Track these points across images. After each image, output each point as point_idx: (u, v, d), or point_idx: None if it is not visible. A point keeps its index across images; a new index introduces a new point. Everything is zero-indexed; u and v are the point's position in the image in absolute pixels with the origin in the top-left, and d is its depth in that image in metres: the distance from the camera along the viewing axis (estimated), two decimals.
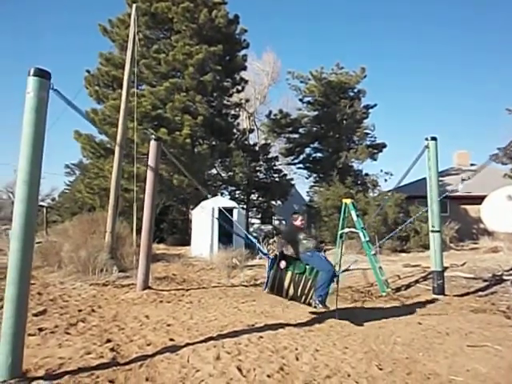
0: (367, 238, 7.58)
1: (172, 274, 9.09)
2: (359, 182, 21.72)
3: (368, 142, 23.51)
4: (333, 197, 17.73)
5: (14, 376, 2.88)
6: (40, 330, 4.22)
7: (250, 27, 19.64)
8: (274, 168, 22.03)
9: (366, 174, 22.84)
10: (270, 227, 21.35)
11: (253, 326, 4.60)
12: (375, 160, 23.43)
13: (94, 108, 16.92)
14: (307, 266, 4.89)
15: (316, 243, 5.24)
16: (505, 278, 8.03)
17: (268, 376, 3.10)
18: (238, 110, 22.18)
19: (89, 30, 61.61)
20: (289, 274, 4.84)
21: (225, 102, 20.01)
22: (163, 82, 17.00)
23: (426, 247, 12.95)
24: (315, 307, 4.85)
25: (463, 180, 6.74)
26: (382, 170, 22.63)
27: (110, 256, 8.58)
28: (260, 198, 21.87)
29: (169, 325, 4.62)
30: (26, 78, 3.08)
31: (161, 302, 6.07)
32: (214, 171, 20.82)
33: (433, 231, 7.00)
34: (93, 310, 5.31)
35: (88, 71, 17.93)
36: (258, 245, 5.65)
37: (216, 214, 12.90)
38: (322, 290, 4.80)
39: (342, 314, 5.18)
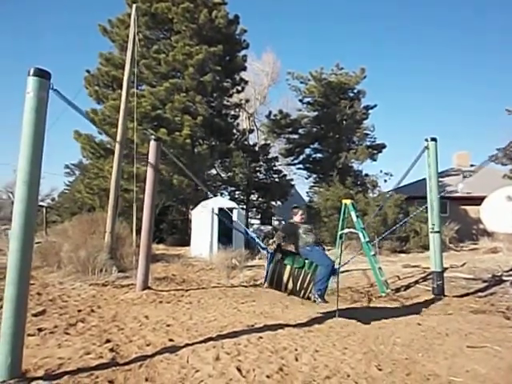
0: (367, 239, 7.58)
1: (171, 274, 9.08)
2: (359, 183, 21.74)
3: (368, 143, 23.56)
4: (332, 197, 17.74)
5: (14, 376, 2.87)
6: (39, 330, 4.21)
7: (249, 28, 19.71)
8: (274, 168, 22.04)
9: (366, 175, 22.87)
10: (269, 227, 21.33)
11: (252, 326, 4.60)
12: (375, 160, 23.49)
13: (94, 108, 16.94)
14: (306, 261, 4.90)
15: (315, 238, 5.25)
16: (504, 278, 8.03)
17: (267, 376, 3.10)
18: (237, 110, 22.20)
19: (89, 30, 61.62)
20: (288, 268, 4.85)
21: (225, 102, 20.02)
22: (163, 82, 17.01)
23: (426, 248, 12.96)
24: (314, 301, 4.86)
25: (464, 177, 6.77)
26: (381, 171, 22.70)
27: (109, 256, 8.58)
28: (260, 199, 21.88)
29: (168, 325, 4.61)
30: (25, 77, 3.08)
31: (160, 302, 6.07)
32: (213, 171, 20.83)
33: (432, 232, 7.00)
34: (92, 311, 5.30)
35: (88, 71, 17.94)
36: (256, 239, 5.67)
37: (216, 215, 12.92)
38: (321, 285, 4.80)
39: (342, 314, 5.18)
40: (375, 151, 23.15)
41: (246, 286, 7.92)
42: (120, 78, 13.31)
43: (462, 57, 58.56)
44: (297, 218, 5.36)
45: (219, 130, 18.53)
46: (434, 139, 7.09)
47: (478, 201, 11.88)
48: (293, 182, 23.84)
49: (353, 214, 7.79)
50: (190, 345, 3.81)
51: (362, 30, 59.09)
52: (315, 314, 5.35)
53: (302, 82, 24.36)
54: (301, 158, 25.19)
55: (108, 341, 3.93)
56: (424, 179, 7.38)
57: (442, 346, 3.96)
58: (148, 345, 3.84)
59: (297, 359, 3.50)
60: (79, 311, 5.24)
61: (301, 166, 25.67)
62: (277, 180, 21.40)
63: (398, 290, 7.57)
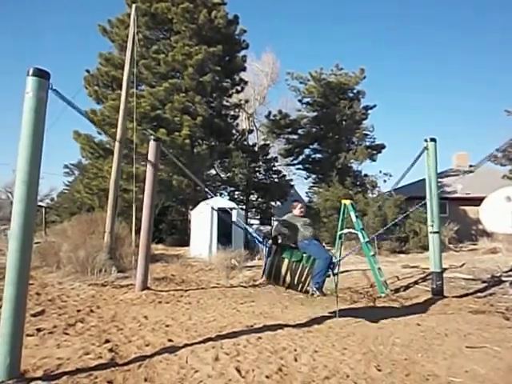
0: (366, 239, 7.58)
1: (171, 274, 9.08)
2: (358, 183, 21.74)
3: (367, 143, 23.57)
4: (332, 198, 17.74)
5: (12, 377, 2.87)
6: (38, 330, 4.21)
7: (249, 28, 19.73)
8: (274, 169, 22.05)
9: (365, 175, 22.86)
10: (269, 228, 21.33)
11: (251, 326, 4.60)
12: (374, 161, 23.51)
13: (94, 109, 16.94)
14: (304, 254, 4.92)
15: (313, 232, 5.26)
16: (503, 279, 8.03)
17: (267, 377, 3.09)
18: (237, 110, 22.21)
19: (88, 30, 61.58)
20: (286, 261, 4.87)
21: (224, 102, 20.04)
22: (162, 82, 17.02)
23: (425, 248, 12.96)
24: (312, 294, 4.89)
25: (465, 172, 6.78)
26: (381, 171, 22.67)
27: (108, 256, 8.57)
28: (259, 199, 21.88)
29: (167, 325, 4.61)
30: (25, 77, 3.08)
31: (159, 302, 6.06)
32: (213, 172, 20.84)
33: (432, 232, 7.00)
34: (91, 311, 5.30)
35: (88, 71, 17.95)
36: (254, 234, 5.70)
37: (215, 215, 12.92)
38: (319, 278, 4.82)
39: (341, 314, 5.18)
40: (374, 151, 23.17)
41: (245, 287, 7.92)
42: (119, 78, 13.32)
43: (461, 57, 58.61)
44: (296, 211, 5.38)
45: (219, 130, 18.53)
46: (433, 140, 7.07)
47: (477, 201, 11.91)
48: (292, 183, 23.88)
49: (352, 214, 7.79)
50: (189, 345, 3.81)
51: (361, 30, 59.16)
52: (314, 314, 5.35)
53: (301, 83, 24.39)
54: (300, 158, 25.20)
55: (107, 341, 3.92)
56: (424, 179, 7.38)
57: (442, 346, 3.96)
58: (147, 345, 3.84)
59: (296, 359, 3.50)
60: (78, 311, 5.24)
61: (300, 166, 25.70)
62: (276, 180, 21.41)
63: (397, 290, 7.57)
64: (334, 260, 5.08)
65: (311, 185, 25.45)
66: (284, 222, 5.40)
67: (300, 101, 24.96)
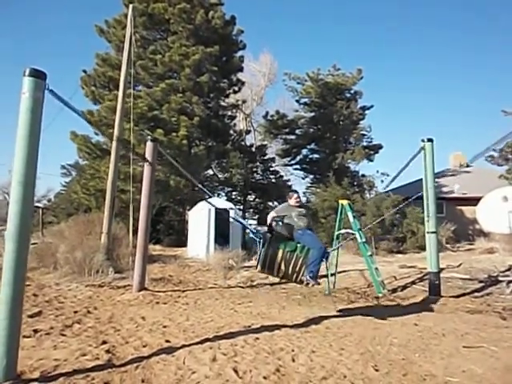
0: (363, 239, 7.60)
1: (168, 275, 9.07)
2: (356, 183, 21.77)
3: (364, 143, 23.62)
4: (329, 198, 17.75)
5: (9, 378, 2.85)
6: (35, 331, 4.19)
7: (246, 28, 19.72)
8: (271, 169, 22.10)
9: (363, 175, 22.91)
10: (266, 228, 21.33)
11: (249, 327, 4.59)
12: (371, 161, 23.59)
13: (90, 110, 16.90)
14: (298, 245, 4.95)
15: (308, 222, 5.28)
16: (500, 279, 8.05)
17: (264, 377, 3.09)
18: (234, 111, 22.21)
19: (85, 31, 61.37)
20: (280, 252, 4.89)
21: (221, 103, 20.04)
22: (159, 82, 17.00)
23: (423, 248, 12.94)
24: (307, 284, 4.92)
25: (461, 165, 6.80)
26: (378, 171, 22.71)
27: (106, 257, 8.55)
28: (257, 199, 21.92)
29: (165, 326, 4.60)
30: (21, 78, 3.07)
31: (157, 303, 6.05)
32: (210, 172, 20.83)
33: (429, 232, 7.02)
34: (88, 312, 5.28)
35: (84, 71, 17.90)
36: (249, 228, 5.74)
37: (212, 216, 12.91)
38: (314, 267, 4.86)
39: (339, 315, 5.18)
40: (372, 152, 23.24)
41: (242, 287, 7.91)
42: (116, 79, 13.28)
43: (462, 57, 58.65)
44: (292, 202, 5.42)
45: (216, 130, 18.53)
46: (430, 140, 7.10)
47: (474, 201, 11.93)
48: (290, 183, 23.95)
49: (349, 214, 7.80)
50: (186, 346, 3.80)
51: (360, 30, 59.12)
52: (312, 314, 5.34)
53: (298, 83, 24.43)
54: (297, 158, 25.24)
55: (104, 342, 3.91)
56: (421, 179, 7.39)
57: (439, 346, 3.96)
58: (144, 346, 3.82)
59: (293, 360, 3.49)
60: (75, 312, 5.22)
61: (297, 166, 25.74)
62: (273, 181, 21.46)
63: (394, 290, 7.59)
64: (328, 250, 5.14)
65: (309, 185, 25.52)
66: (279, 210, 5.43)
67: (297, 101, 25.02)
